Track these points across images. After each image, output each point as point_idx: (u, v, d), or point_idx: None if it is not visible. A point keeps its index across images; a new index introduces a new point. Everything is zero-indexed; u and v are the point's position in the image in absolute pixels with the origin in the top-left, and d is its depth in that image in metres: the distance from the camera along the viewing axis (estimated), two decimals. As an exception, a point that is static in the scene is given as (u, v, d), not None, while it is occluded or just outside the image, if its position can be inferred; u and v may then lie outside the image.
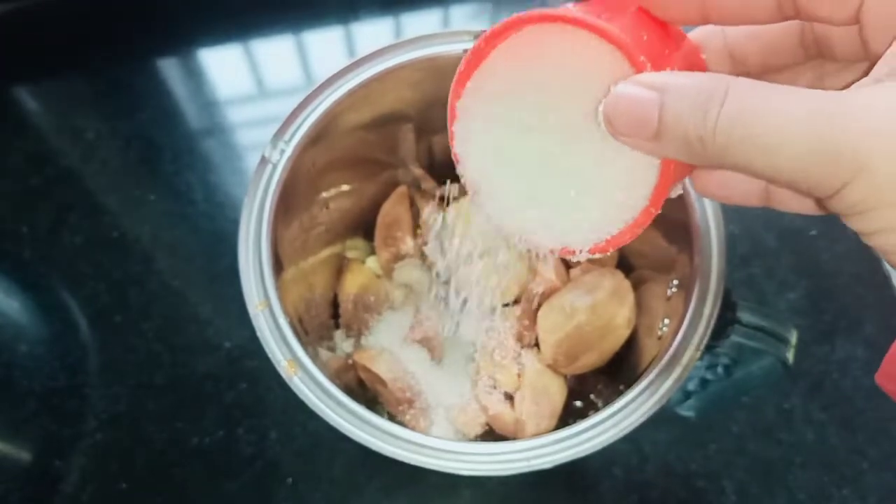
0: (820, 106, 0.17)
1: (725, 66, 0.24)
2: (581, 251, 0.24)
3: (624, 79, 0.19)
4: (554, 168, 0.22)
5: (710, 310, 0.34)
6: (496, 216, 0.25)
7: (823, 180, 0.17)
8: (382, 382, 0.41)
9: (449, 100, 0.24)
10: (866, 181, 0.17)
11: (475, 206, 0.25)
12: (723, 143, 0.18)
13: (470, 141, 0.24)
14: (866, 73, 0.19)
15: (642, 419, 0.31)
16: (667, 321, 0.37)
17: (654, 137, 0.19)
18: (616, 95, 0.19)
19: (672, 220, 0.38)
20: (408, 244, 0.47)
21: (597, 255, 0.24)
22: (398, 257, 0.47)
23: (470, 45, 0.38)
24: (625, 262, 0.46)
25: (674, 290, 0.38)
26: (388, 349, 0.42)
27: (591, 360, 0.41)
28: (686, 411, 0.41)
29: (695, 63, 0.22)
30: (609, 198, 0.22)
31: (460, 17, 0.66)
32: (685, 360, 0.33)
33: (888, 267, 0.54)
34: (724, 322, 0.34)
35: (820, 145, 0.17)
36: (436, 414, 0.40)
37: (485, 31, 0.22)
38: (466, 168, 0.24)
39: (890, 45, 0.19)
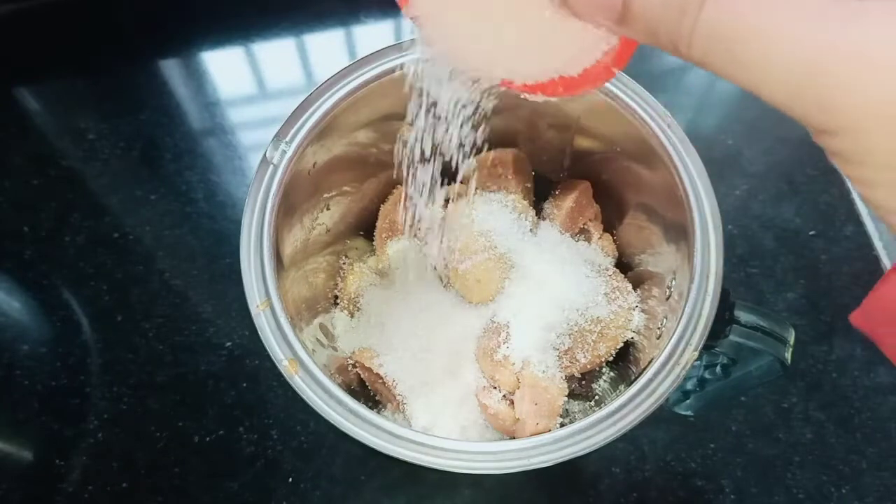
0: (813, 44, 0.14)
1: None
2: (536, 84, 0.23)
3: None
4: (509, 13, 0.21)
5: (708, 310, 0.34)
6: (446, 53, 0.24)
7: (810, 119, 0.16)
8: (382, 381, 0.41)
9: None
10: (854, 139, 0.15)
11: (427, 49, 0.24)
12: (699, 54, 0.16)
13: None
14: None
15: (641, 418, 0.32)
16: (665, 321, 0.37)
17: (618, 23, 0.17)
18: None
19: (671, 221, 0.39)
20: (408, 245, 0.47)
21: (550, 98, 0.23)
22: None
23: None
24: (624, 262, 0.47)
25: (672, 289, 0.38)
26: (388, 347, 0.43)
27: (589, 360, 0.41)
28: (685, 411, 0.42)
29: None
30: (567, 47, 0.21)
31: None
32: (684, 359, 0.33)
33: (886, 267, 0.54)
34: (723, 322, 0.34)
35: (808, 90, 0.15)
36: (435, 412, 0.41)
37: None
38: (417, 8, 0.23)
39: None
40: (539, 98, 0.23)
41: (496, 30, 0.22)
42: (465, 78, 0.25)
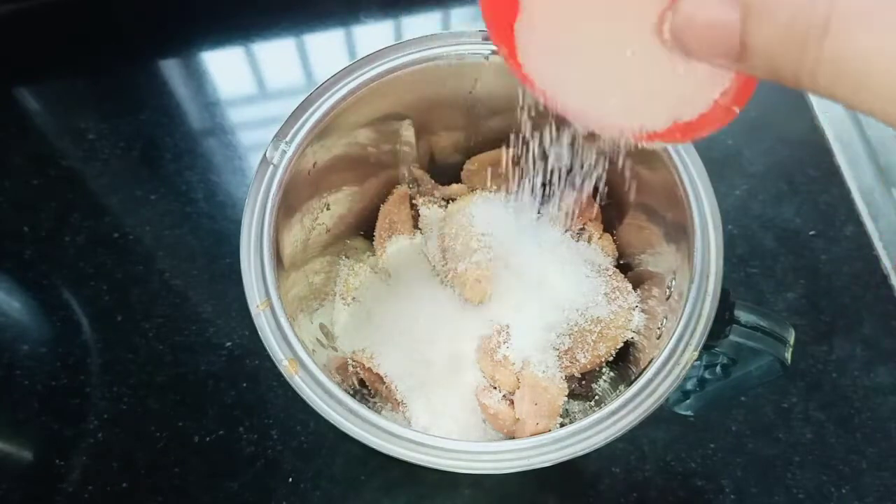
0: None
1: None
2: (655, 133, 0.22)
3: None
4: (625, 63, 0.21)
5: (708, 309, 0.34)
6: (567, 106, 0.24)
7: None
8: (382, 381, 0.41)
9: (489, 20, 0.23)
10: None
11: (554, 108, 0.24)
12: (825, 85, 0.15)
13: (535, 49, 0.23)
14: None
15: (641, 418, 0.32)
16: (665, 321, 0.37)
17: (736, 60, 0.16)
18: (685, 16, 0.16)
19: (671, 221, 0.39)
20: (407, 244, 0.47)
21: (668, 144, 0.23)
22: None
23: (468, 47, 0.39)
24: (624, 262, 0.47)
25: (672, 289, 0.38)
26: (387, 347, 0.42)
27: (589, 360, 0.41)
28: (685, 411, 0.42)
29: None
30: (681, 91, 0.20)
31: (460, 19, 0.66)
32: (684, 359, 0.33)
33: (886, 267, 0.54)
34: (723, 322, 0.34)
35: None
36: (435, 412, 0.41)
37: None
38: (538, 73, 0.24)
39: None
40: (657, 146, 0.23)
41: (610, 80, 0.22)
42: (578, 131, 0.25)
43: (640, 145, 0.24)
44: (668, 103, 0.22)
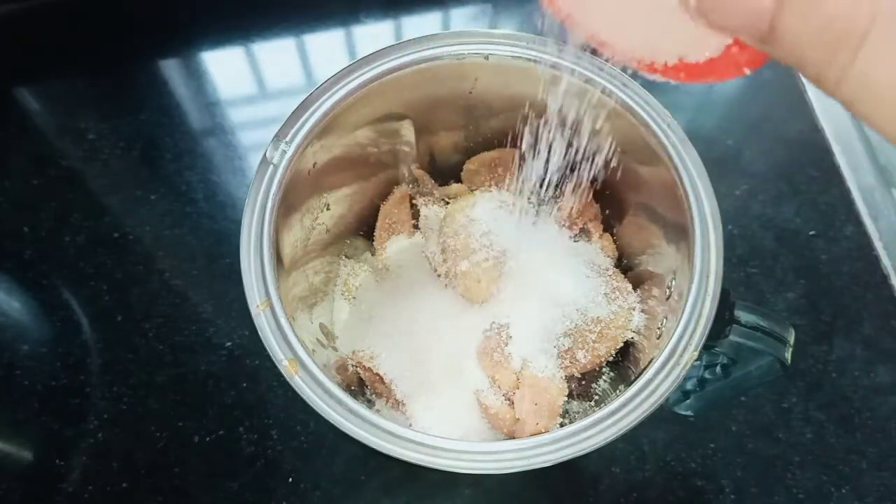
0: None
1: None
2: (658, 66, 0.22)
3: None
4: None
5: (708, 310, 0.34)
6: (587, 29, 0.23)
7: None
8: (382, 381, 0.41)
9: None
10: None
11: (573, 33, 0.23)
12: (846, 97, 0.14)
13: None
14: None
15: (641, 418, 0.32)
16: (665, 321, 0.37)
17: (761, 41, 0.15)
18: None
19: (671, 221, 0.39)
20: (407, 244, 0.47)
21: (670, 80, 0.22)
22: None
23: (468, 47, 0.39)
24: (624, 262, 0.47)
25: (672, 289, 0.38)
26: (387, 347, 0.42)
27: (589, 360, 0.41)
28: (685, 411, 0.42)
29: None
30: (691, 31, 0.19)
31: (460, 19, 0.66)
32: (684, 359, 0.33)
33: (886, 267, 0.54)
34: (723, 322, 0.34)
35: None
36: (435, 412, 0.41)
37: None
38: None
39: None
40: (657, 78, 0.23)
41: (625, 7, 0.21)
42: (585, 47, 0.25)
43: (639, 73, 0.23)
44: (677, 39, 0.21)
